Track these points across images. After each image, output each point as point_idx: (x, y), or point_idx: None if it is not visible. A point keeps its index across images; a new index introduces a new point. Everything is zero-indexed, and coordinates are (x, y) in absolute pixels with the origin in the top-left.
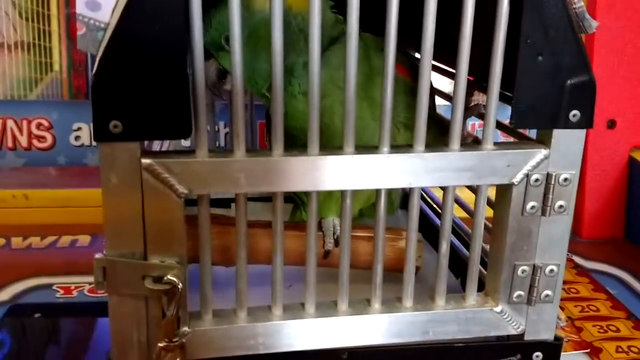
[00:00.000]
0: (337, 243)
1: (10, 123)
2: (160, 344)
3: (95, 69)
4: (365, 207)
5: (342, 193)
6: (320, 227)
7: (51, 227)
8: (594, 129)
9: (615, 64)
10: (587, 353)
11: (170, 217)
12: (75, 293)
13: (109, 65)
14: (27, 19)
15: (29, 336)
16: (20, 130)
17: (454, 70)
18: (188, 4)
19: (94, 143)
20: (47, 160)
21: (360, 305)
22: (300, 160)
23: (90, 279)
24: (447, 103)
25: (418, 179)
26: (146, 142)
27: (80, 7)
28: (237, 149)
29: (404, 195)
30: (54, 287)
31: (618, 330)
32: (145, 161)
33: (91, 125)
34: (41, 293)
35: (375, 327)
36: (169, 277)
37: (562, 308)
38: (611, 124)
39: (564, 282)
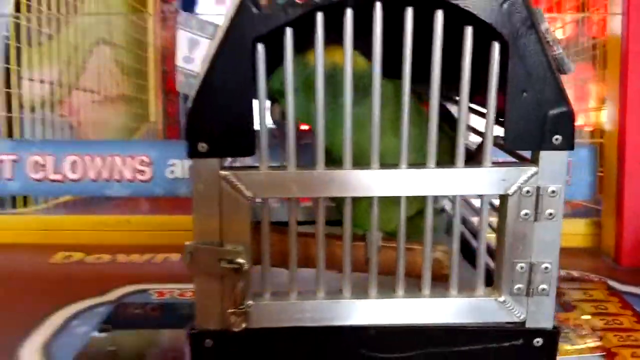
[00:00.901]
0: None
1: (117, 160)
2: (230, 310)
3: (189, 105)
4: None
5: (370, 204)
6: (364, 239)
7: (148, 247)
8: (629, 170)
9: None
10: (602, 356)
11: (239, 215)
12: (167, 296)
13: (198, 103)
14: (127, 75)
15: (131, 327)
16: (125, 165)
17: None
18: (255, 63)
19: (185, 176)
20: (147, 191)
21: (387, 292)
22: (336, 173)
23: (180, 286)
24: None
25: (430, 189)
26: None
27: (180, 61)
28: (290, 165)
29: (449, 221)
30: (150, 292)
31: (637, 340)
32: (223, 173)
33: (184, 161)
34: (140, 296)
35: (399, 309)
36: (238, 259)
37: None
38: None
39: (595, 301)
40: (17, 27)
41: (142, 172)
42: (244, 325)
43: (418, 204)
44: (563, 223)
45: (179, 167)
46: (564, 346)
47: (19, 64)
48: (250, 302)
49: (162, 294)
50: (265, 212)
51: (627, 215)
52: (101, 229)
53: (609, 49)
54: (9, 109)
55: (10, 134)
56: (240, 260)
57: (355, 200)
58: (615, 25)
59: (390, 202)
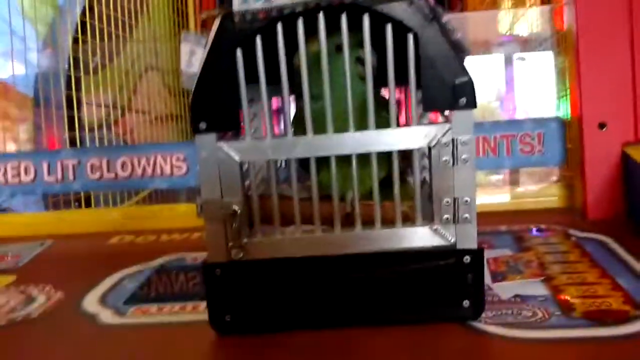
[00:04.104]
0: (352, 208)
1: (159, 158)
2: (230, 243)
3: (192, 96)
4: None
5: (329, 162)
6: (342, 199)
7: (186, 229)
8: (588, 131)
9: (602, 70)
10: (542, 280)
11: (232, 174)
12: (199, 260)
13: (197, 94)
14: (174, 95)
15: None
16: (165, 162)
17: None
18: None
19: None
20: (183, 184)
21: (347, 227)
22: (301, 139)
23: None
24: None
25: (375, 146)
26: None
27: (183, 66)
28: (267, 136)
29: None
30: (186, 259)
31: (576, 269)
32: (219, 143)
33: None
34: (178, 262)
35: (357, 240)
36: (233, 207)
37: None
38: (602, 126)
39: (551, 244)
40: (76, 60)
41: (179, 167)
42: (241, 255)
43: (383, 170)
44: (545, 188)
45: None
46: (514, 276)
47: (78, 90)
48: (246, 239)
49: (195, 259)
50: (250, 170)
51: (589, 175)
52: (148, 217)
53: (568, 38)
54: (71, 130)
55: None
56: (235, 207)
57: (324, 166)
58: (570, 15)
59: (360, 166)
